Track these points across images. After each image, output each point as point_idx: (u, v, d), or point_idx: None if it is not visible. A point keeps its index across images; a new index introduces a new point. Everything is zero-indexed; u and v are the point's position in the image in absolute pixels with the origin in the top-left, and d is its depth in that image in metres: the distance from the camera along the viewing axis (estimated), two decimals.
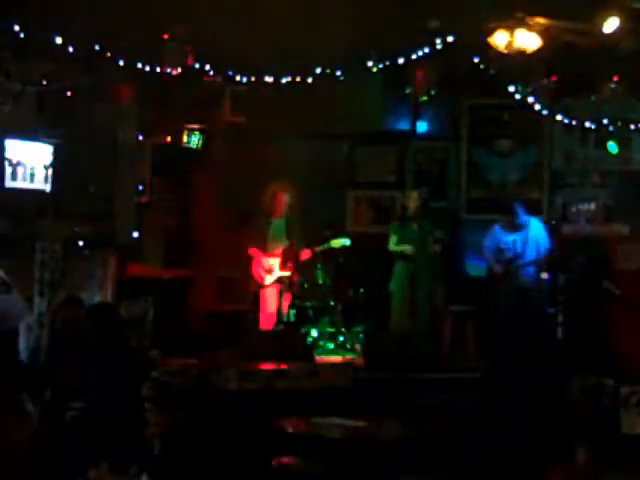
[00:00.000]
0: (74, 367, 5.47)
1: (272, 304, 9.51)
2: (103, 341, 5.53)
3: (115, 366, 5.30)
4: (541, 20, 7.79)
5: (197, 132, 10.58)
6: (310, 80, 8.98)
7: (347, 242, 9.55)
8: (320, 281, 9.61)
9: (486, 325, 9.88)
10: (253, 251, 9.58)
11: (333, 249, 9.62)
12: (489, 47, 8.06)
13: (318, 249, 9.53)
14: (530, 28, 7.84)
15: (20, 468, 4.87)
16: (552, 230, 10.22)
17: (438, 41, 8.23)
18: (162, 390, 6.12)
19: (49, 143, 8.88)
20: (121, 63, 8.52)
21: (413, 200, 9.62)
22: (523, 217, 9.72)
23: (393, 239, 9.63)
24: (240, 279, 10.16)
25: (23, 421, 5.07)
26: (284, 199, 9.61)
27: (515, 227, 9.73)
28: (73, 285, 8.97)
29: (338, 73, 8.95)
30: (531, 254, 9.65)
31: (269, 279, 9.52)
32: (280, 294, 9.52)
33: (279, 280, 9.52)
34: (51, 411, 5.16)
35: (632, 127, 9.98)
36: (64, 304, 6.62)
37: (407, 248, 9.48)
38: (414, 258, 9.44)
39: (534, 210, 10.34)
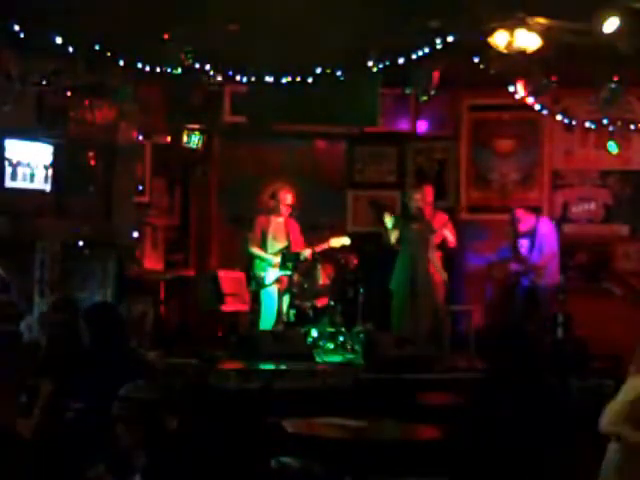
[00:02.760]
0: (74, 368, 5.46)
1: (272, 304, 9.51)
2: (103, 341, 5.53)
3: (115, 367, 5.29)
4: (541, 20, 7.78)
5: (197, 132, 10.58)
6: (310, 80, 8.99)
7: (347, 241, 9.54)
8: (320, 281, 9.60)
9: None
10: (254, 250, 9.58)
11: (333, 249, 9.62)
12: (489, 47, 8.05)
13: (318, 249, 9.53)
14: (530, 28, 7.83)
15: (20, 468, 4.87)
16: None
17: (438, 41, 8.22)
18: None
19: (49, 143, 8.88)
20: (121, 63, 8.52)
21: (415, 200, 9.62)
22: (527, 223, 9.76)
23: (393, 233, 9.55)
24: (240, 279, 10.16)
25: (24, 422, 5.07)
26: (284, 199, 9.61)
27: (519, 233, 9.77)
28: (73, 285, 8.97)
29: (338, 73, 8.95)
30: (536, 258, 9.68)
31: (269, 279, 9.52)
32: (280, 294, 9.53)
33: (279, 280, 9.53)
34: (51, 411, 5.16)
35: (632, 127, 9.99)
36: (56, 306, 6.60)
37: (390, 240, 9.48)
38: (413, 258, 9.45)
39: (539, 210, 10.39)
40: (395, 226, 9.47)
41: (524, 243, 9.83)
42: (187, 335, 9.96)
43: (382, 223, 9.50)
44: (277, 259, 9.53)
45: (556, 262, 9.86)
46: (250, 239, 9.63)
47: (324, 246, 9.51)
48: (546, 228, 9.89)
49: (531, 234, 9.81)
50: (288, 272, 9.48)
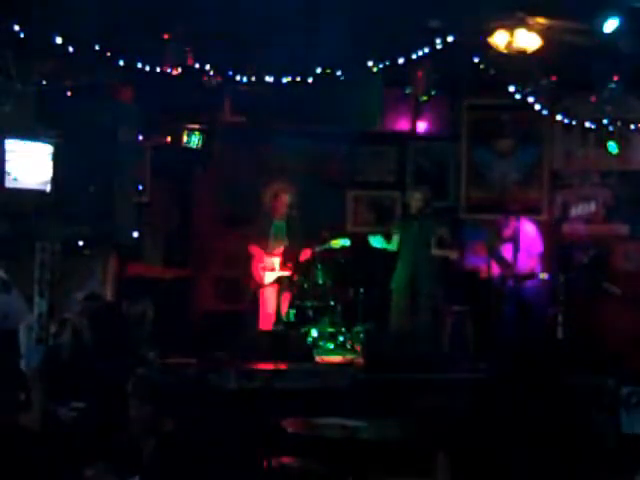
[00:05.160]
0: (76, 366, 5.48)
1: (272, 304, 9.51)
2: (104, 341, 5.54)
3: (115, 366, 5.30)
4: (541, 20, 7.79)
5: (197, 132, 10.57)
6: (310, 80, 8.99)
7: (347, 242, 9.56)
8: (320, 281, 9.61)
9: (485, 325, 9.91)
10: (254, 250, 9.58)
11: (333, 249, 9.62)
12: (489, 47, 8.06)
13: (318, 249, 9.54)
14: (530, 28, 7.84)
15: (20, 467, 4.87)
16: (552, 230, 10.24)
17: (438, 41, 8.22)
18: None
19: (49, 143, 8.88)
20: (121, 63, 8.52)
21: (415, 200, 9.63)
22: (510, 228, 9.75)
23: (394, 237, 9.64)
24: (240, 279, 10.16)
25: (24, 421, 5.08)
26: (285, 199, 9.62)
27: (504, 238, 9.77)
28: (73, 285, 8.96)
29: (338, 73, 8.95)
30: (523, 263, 9.67)
31: (269, 279, 9.53)
32: (280, 294, 9.53)
33: (279, 280, 9.53)
34: (52, 411, 5.17)
35: (632, 127, 9.99)
36: (86, 300, 6.61)
37: (389, 246, 9.51)
38: (413, 257, 9.48)
39: (528, 210, 10.36)
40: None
41: (508, 248, 9.82)
42: (187, 335, 9.95)
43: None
44: (277, 259, 9.53)
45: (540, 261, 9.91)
46: (250, 239, 9.63)
47: (324, 247, 9.52)
48: (529, 230, 9.89)
49: (514, 238, 9.80)
50: (288, 272, 9.48)
